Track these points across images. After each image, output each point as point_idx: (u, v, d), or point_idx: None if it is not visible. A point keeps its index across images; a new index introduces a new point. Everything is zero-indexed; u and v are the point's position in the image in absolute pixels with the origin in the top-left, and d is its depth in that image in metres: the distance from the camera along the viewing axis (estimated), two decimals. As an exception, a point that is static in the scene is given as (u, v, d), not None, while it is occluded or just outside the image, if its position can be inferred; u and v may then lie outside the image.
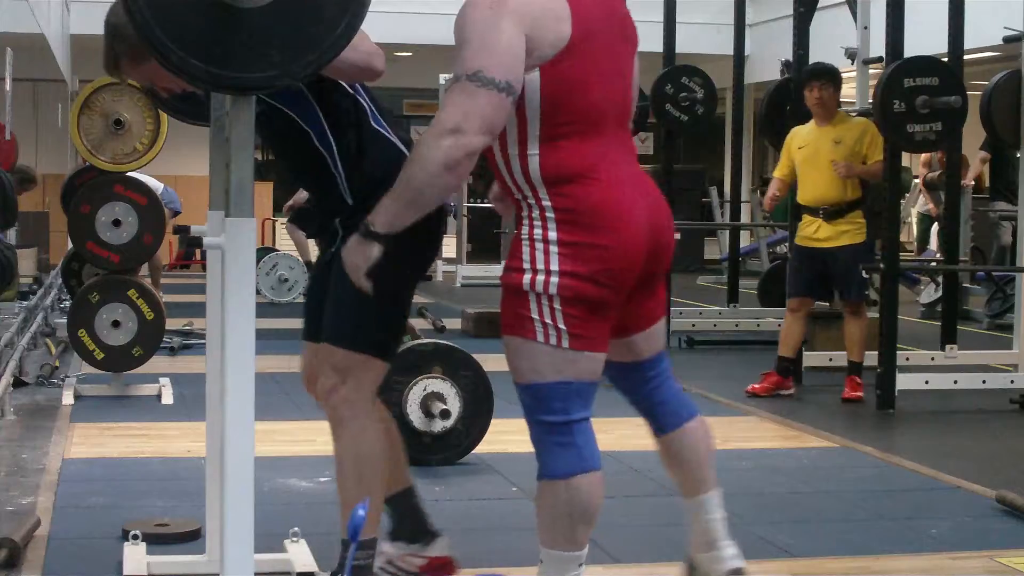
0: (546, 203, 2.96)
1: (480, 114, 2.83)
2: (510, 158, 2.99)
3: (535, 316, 2.96)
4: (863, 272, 7.22)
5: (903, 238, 12.80)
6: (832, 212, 7.30)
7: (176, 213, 11.89)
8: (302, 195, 13.07)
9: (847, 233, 7.28)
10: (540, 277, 2.94)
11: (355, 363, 3.37)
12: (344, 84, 3.34)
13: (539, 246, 2.95)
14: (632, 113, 3.17)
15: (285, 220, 13.55)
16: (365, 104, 3.40)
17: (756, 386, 7.46)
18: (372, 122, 3.40)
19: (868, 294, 7.35)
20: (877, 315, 7.31)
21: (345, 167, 3.36)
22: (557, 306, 2.94)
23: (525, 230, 2.99)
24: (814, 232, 7.36)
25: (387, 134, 3.41)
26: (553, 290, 2.93)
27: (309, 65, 2.58)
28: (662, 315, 3.26)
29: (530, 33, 2.87)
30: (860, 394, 7.26)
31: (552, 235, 2.95)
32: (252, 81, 2.55)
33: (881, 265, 7.11)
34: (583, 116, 2.96)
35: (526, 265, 2.97)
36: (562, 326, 2.95)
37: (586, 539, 3.09)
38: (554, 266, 2.94)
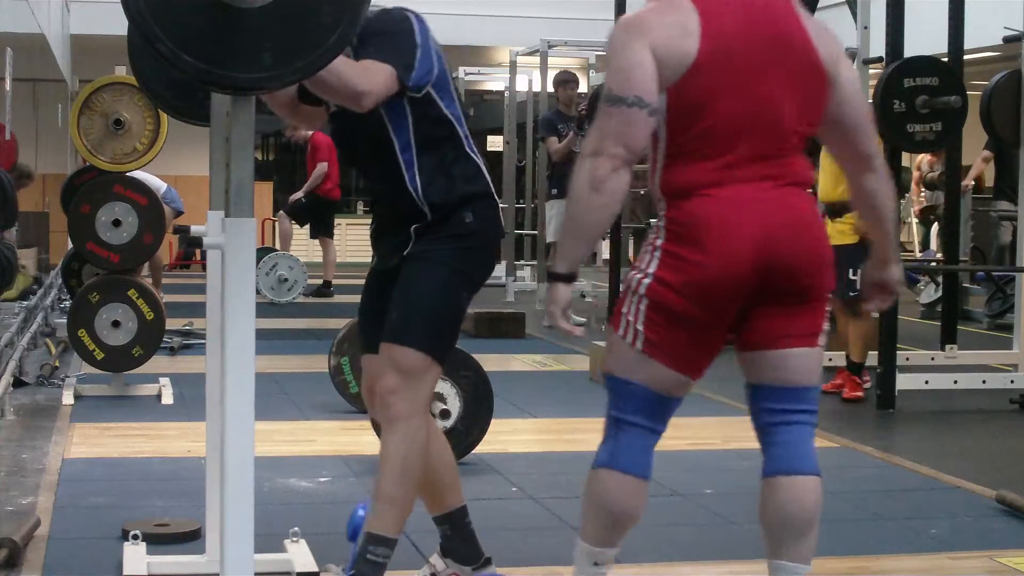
0: (663, 213, 3.04)
1: (614, 131, 2.93)
2: (647, 171, 3.09)
3: (624, 311, 3.04)
4: (851, 272, 7.21)
5: (903, 238, 12.78)
6: (831, 211, 7.30)
7: (179, 213, 11.87)
8: (299, 193, 13.13)
9: (840, 233, 7.27)
10: (637, 275, 3.02)
11: (420, 364, 3.40)
12: (441, 107, 3.45)
13: (649, 249, 3.04)
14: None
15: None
16: (461, 132, 3.50)
17: (827, 384, 7.48)
18: (467, 148, 3.52)
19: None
20: (877, 315, 7.31)
21: (423, 182, 3.43)
22: (643, 307, 3.00)
23: (648, 237, 3.09)
24: None
25: (477, 159, 3.53)
26: (643, 290, 3.00)
27: (297, 72, 2.59)
28: (802, 345, 3.06)
29: (658, 53, 2.94)
30: (860, 394, 7.26)
31: (659, 242, 3.02)
32: (242, 81, 2.56)
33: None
34: (708, 134, 2.98)
35: (635, 265, 3.06)
36: (640, 327, 3.00)
37: (610, 540, 3.09)
38: (651, 269, 3.01)
